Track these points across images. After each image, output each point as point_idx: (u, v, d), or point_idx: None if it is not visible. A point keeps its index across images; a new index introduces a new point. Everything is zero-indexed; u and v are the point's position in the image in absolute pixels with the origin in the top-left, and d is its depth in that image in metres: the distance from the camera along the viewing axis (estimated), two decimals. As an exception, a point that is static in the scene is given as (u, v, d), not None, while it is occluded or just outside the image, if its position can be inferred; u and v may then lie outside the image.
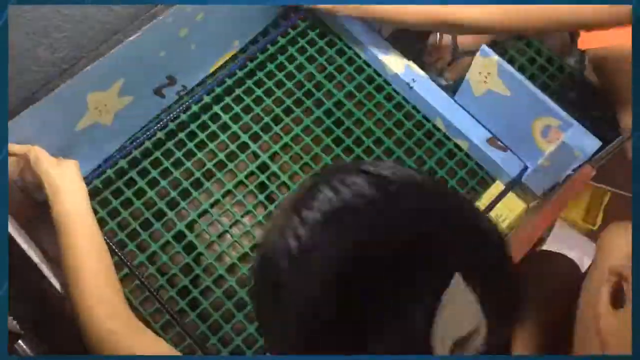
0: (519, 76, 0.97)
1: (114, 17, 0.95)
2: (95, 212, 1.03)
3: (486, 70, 1.01)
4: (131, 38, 0.94)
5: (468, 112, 1.11)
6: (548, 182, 1.02)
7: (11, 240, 0.91)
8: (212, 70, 1.16)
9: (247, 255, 1.04)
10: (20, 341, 0.83)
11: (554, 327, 0.96)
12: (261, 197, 1.07)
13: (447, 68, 1.21)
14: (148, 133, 1.06)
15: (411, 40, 1.25)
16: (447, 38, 1.19)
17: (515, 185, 1.08)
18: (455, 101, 1.11)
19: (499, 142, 1.10)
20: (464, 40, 1.18)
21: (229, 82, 1.15)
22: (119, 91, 0.99)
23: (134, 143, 1.05)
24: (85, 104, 0.95)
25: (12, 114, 0.88)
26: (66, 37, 0.90)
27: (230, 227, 1.06)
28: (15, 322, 0.84)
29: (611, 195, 1.49)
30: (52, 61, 0.91)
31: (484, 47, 0.99)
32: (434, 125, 1.15)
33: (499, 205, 1.06)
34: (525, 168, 1.08)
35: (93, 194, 1.04)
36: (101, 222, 1.02)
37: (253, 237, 1.05)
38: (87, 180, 1.02)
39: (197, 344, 0.94)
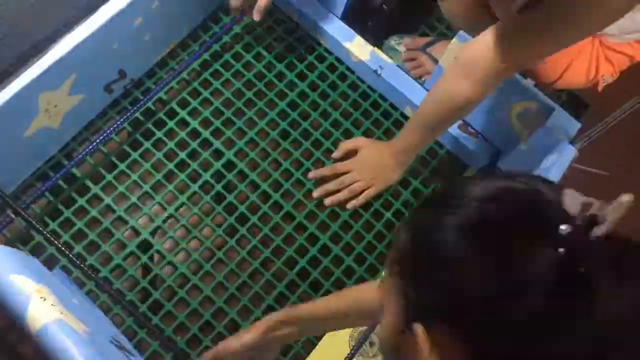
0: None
1: (67, 6, 0.85)
2: (45, 224, 0.93)
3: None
4: (85, 30, 0.84)
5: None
6: (527, 167, 1.01)
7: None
8: (158, 60, 1.07)
9: (220, 260, 0.96)
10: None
11: None
12: (231, 197, 1.00)
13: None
14: (102, 136, 0.95)
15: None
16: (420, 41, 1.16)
17: (488, 171, 1.06)
18: (425, 88, 1.07)
19: (470, 128, 1.08)
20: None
21: (184, 74, 1.06)
22: (69, 89, 0.89)
23: (89, 148, 0.94)
24: (36, 106, 0.84)
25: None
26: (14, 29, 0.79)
27: (200, 230, 0.98)
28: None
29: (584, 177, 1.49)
30: (-1, 56, 0.80)
31: (461, 32, 0.96)
32: (402, 114, 1.11)
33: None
34: (498, 153, 1.06)
35: (44, 204, 0.94)
36: (54, 234, 0.92)
37: (225, 240, 0.98)
38: (40, 190, 0.91)
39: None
